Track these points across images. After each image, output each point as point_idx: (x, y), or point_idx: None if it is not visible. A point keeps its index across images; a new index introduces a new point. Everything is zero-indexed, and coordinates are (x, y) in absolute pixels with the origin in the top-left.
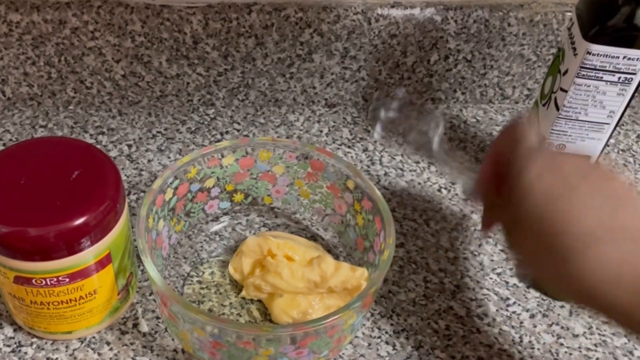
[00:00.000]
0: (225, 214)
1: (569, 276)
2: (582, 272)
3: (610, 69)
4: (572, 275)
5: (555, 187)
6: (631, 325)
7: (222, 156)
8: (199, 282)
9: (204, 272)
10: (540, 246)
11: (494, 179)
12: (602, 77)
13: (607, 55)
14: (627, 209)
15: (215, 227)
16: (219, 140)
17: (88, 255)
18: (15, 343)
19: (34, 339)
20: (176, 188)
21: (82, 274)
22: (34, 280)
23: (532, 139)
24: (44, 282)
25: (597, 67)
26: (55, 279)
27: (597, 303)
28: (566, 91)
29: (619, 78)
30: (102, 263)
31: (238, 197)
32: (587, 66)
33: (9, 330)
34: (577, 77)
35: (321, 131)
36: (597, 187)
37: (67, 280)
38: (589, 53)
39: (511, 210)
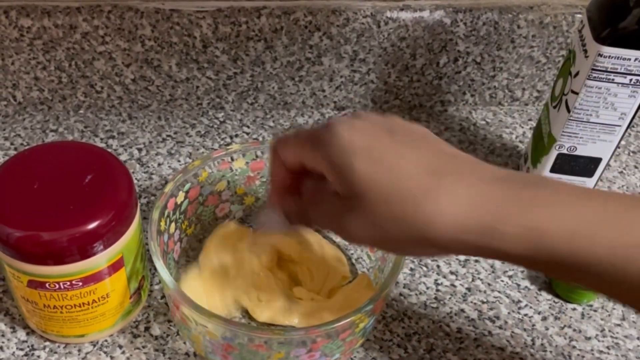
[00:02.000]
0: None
1: (423, 228)
2: (439, 216)
3: (622, 70)
4: (429, 224)
5: (374, 138)
6: (498, 252)
7: (233, 159)
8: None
9: None
10: (385, 213)
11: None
12: (613, 79)
13: (618, 57)
14: (441, 142)
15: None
16: (228, 144)
17: (101, 259)
18: (28, 347)
19: (47, 343)
20: (187, 191)
21: (95, 277)
22: (47, 284)
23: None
24: (57, 286)
25: (609, 69)
26: (68, 283)
27: (463, 243)
28: (577, 93)
29: (631, 80)
30: (114, 267)
31: (249, 200)
32: (599, 68)
33: (21, 334)
34: (588, 79)
35: None
36: (406, 128)
37: (80, 284)
38: (600, 55)
39: (333, 196)
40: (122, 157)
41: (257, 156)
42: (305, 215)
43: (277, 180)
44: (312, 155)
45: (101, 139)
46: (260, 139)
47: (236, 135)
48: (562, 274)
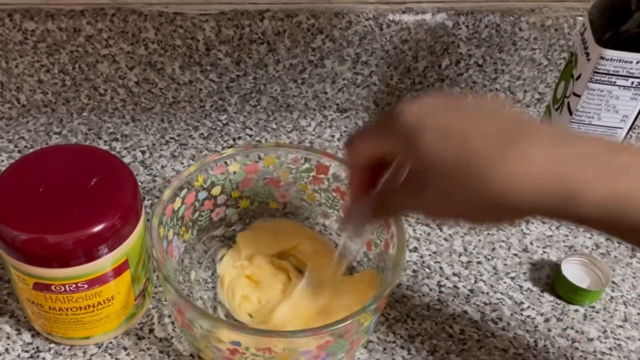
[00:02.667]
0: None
1: (498, 196)
2: (516, 180)
3: (624, 73)
4: (503, 193)
5: (441, 115)
6: (578, 217)
7: (228, 163)
8: (213, 287)
9: (214, 277)
10: (457, 183)
11: (369, 177)
12: (615, 82)
13: (620, 60)
14: (511, 111)
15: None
16: (231, 146)
17: (106, 261)
18: (33, 348)
19: (52, 345)
20: (184, 197)
21: (100, 280)
22: (53, 287)
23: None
24: (62, 289)
25: (611, 72)
26: (74, 285)
27: (541, 207)
28: (579, 96)
29: (632, 82)
30: (119, 269)
31: (244, 203)
32: (601, 71)
33: (27, 336)
34: (590, 81)
35: (333, 136)
36: (477, 103)
37: (86, 286)
38: (602, 58)
39: (409, 178)
40: (126, 160)
41: (251, 159)
42: (387, 203)
43: (356, 177)
44: (384, 140)
45: (105, 141)
46: (263, 141)
47: (239, 138)
48: None
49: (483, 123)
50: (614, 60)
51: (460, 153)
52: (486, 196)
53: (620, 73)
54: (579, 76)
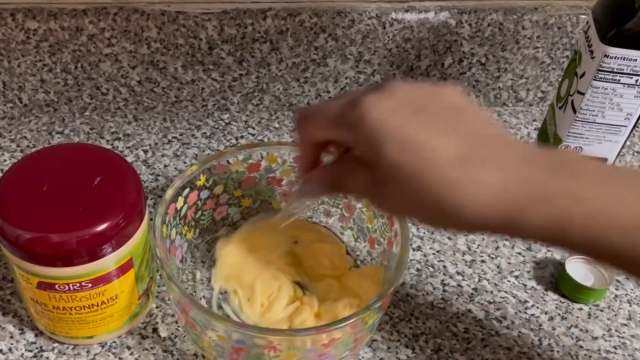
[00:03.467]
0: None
1: (450, 216)
2: (464, 207)
3: (628, 71)
4: (456, 213)
5: (404, 120)
6: (520, 237)
7: (230, 162)
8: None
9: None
10: (412, 198)
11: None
12: (619, 80)
13: (624, 58)
14: (473, 118)
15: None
16: (234, 145)
17: (110, 260)
18: (37, 348)
19: (56, 344)
20: (186, 197)
21: (104, 279)
22: (56, 286)
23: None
24: (66, 288)
25: (615, 70)
26: (78, 284)
27: (488, 228)
28: (583, 94)
29: (637, 80)
30: (123, 268)
31: (246, 202)
32: (605, 69)
33: (30, 336)
34: (594, 79)
35: None
36: (440, 101)
37: (90, 285)
38: (606, 56)
39: (366, 171)
40: (128, 159)
41: (253, 158)
42: (340, 183)
43: (305, 153)
44: (342, 131)
45: (107, 140)
46: (265, 140)
47: (241, 137)
48: (586, 254)
49: (443, 137)
50: (618, 58)
51: (419, 171)
52: (440, 215)
53: (625, 71)
54: (583, 74)
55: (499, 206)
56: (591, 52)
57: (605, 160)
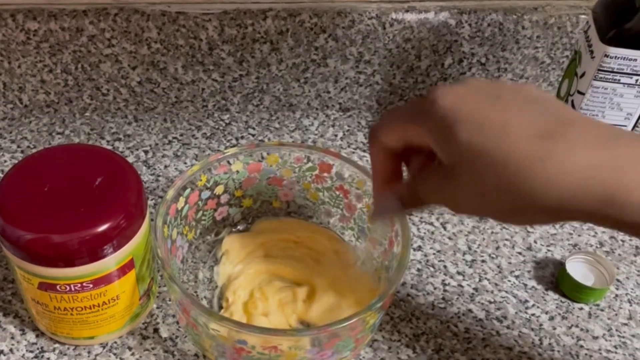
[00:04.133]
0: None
1: (534, 197)
2: (550, 186)
3: (628, 71)
4: (539, 194)
5: (478, 104)
6: (618, 222)
7: (230, 163)
8: (215, 287)
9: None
10: (491, 181)
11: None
12: (619, 80)
13: (624, 57)
14: (552, 103)
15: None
16: (234, 146)
17: (111, 261)
18: (38, 349)
19: (57, 345)
20: (187, 197)
21: (105, 279)
22: (58, 287)
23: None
24: (68, 288)
25: (615, 70)
26: (79, 285)
27: (578, 211)
28: (583, 94)
29: (637, 80)
30: (124, 269)
31: (247, 202)
32: (605, 69)
33: (31, 336)
34: (594, 79)
35: (336, 135)
36: (517, 91)
37: (91, 286)
38: (606, 56)
39: (440, 170)
40: (129, 160)
41: (254, 158)
42: (415, 195)
43: (381, 168)
44: (415, 129)
45: (107, 141)
46: (266, 140)
47: (242, 137)
48: None
49: (522, 116)
50: (618, 58)
51: (498, 149)
52: (521, 197)
53: (625, 71)
54: (583, 74)
55: (600, 182)
56: (591, 52)
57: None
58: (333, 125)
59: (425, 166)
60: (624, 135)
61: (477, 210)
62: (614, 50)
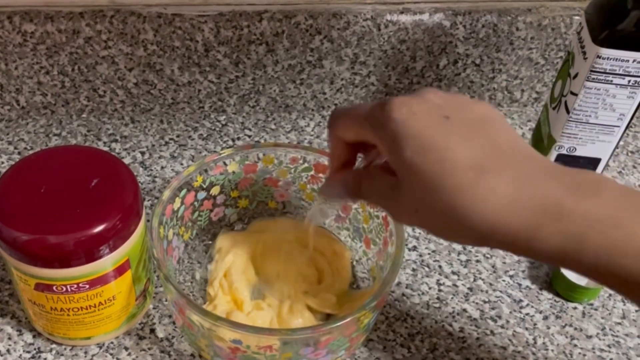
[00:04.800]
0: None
1: (460, 223)
2: (474, 213)
3: (620, 72)
4: (465, 219)
5: (427, 125)
6: (531, 254)
7: (226, 163)
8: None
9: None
10: (425, 201)
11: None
12: (612, 81)
13: (617, 58)
14: (498, 129)
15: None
16: (230, 147)
17: (107, 262)
18: (35, 349)
19: (54, 345)
20: (183, 197)
21: (101, 280)
22: (54, 287)
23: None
24: (64, 289)
25: (607, 71)
26: (75, 286)
27: (498, 241)
28: (576, 94)
29: (629, 81)
30: (120, 269)
31: (243, 202)
32: (597, 70)
33: (28, 337)
34: (587, 80)
35: None
36: (467, 112)
37: (87, 286)
38: (599, 57)
39: (387, 172)
40: (125, 161)
41: (250, 159)
42: (359, 188)
43: (336, 153)
44: (368, 132)
45: (104, 142)
46: (262, 141)
47: (238, 138)
48: (598, 280)
49: (463, 144)
50: (611, 59)
51: (435, 173)
52: (449, 220)
53: (617, 72)
54: (576, 75)
55: (512, 218)
56: (584, 53)
57: (598, 160)
58: None
59: (375, 161)
60: (551, 170)
61: (411, 222)
62: (606, 52)
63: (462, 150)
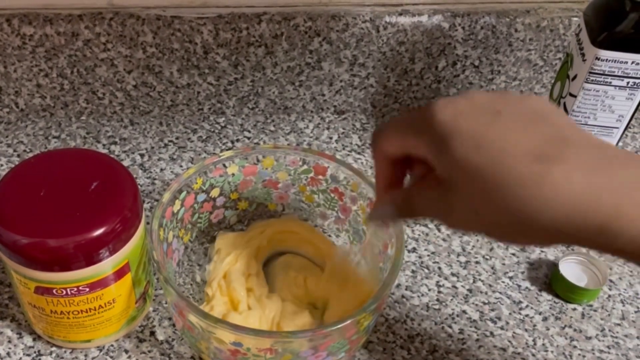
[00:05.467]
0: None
1: (528, 219)
2: (546, 207)
3: (619, 74)
4: (535, 214)
5: (477, 121)
6: (610, 248)
7: (226, 166)
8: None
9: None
10: (486, 200)
11: (395, 177)
12: (610, 82)
13: (615, 60)
14: (557, 119)
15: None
16: (230, 149)
17: (107, 265)
18: (35, 352)
19: (53, 348)
20: (183, 200)
21: (101, 283)
22: (54, 291)
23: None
24: (64, 292)
25: (606, 73)
26: (75, 289)
27: (571, 235)
28: (575, 96)
29: (628, 83)
30: (120, 273)
31: (243, 204)
32: (596, 71)
33: (28, 340)
34: (586, 82)
35: (331, 138)
36: (520, 106)
37: (87, 289)
38: (597, 59)
39: (436, 183)
40: (125, 163)
41: (250, 161)
42: (410, 205)
43: (381, 173)
44: (413, 140)
45: (103, 145)
46: (261, 143)
47: (237, 140)
48: None
49: (521, 136)
50: (609, 60)
51: (494, 169)
52: (515, 217)
53: (616, 73)
54: (575, 77)
55: (594, 209)
56: (582, 54)
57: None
58: (328, 128)
59: (425, 176)
60: (623, 158)
61: (470, 226)
62: (605, 53)
63: (522, 141)
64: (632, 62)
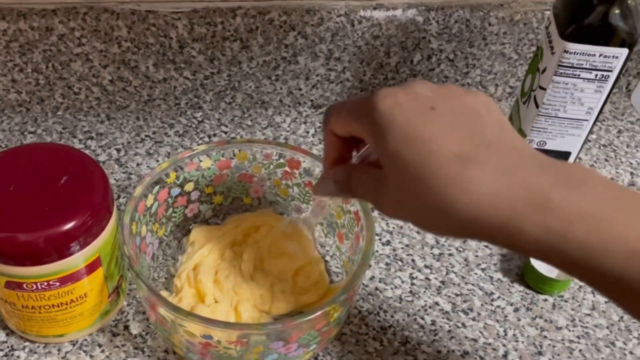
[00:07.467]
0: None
1: (442, 214)
2: (457, 204)
3: (587, 66)
4: (448, 210)
5: (412, 115)
6: (514, 247)
7: (200, 160)
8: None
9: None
10: (410, 192)
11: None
12: (579, 75)
13: (583, 53)
14: (487, 120)
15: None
16: (207, 143)
17: (78, 259)
18: (7, 347)
19: (27, 343)
20: (157, 194)
21: (72, 277)
22: (25, 285)
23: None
24: (34, 287)
25: (575, 65)
26: (45, 283)
27: (480, 232)
28: (545, 89)
29: (596, 75)
30: (91, 267)
31: (217, 199)
32: (565, 64)
33: (1, 335)
34: (555, 75)
35: (307, 132)
36: (455, 103)
37: (58, 284)
38: (566, 51)
39: (376, 166)
40: (101, 158)
41: (224, 155)
42: (348, 185)
43: (329, 149)
44: (357, 124)
45: (80, 140)
46: (238, 137)
47: (214, 135)
48: (581, 277)
49: (449, 134)
50: (578, 53)
51: (419, 164)
52: (432, 211)
53: (584, 66)
54: (545, 69)
55: (497, 210)
56: (552, 47)
57: (568, 154)
58: (305, 122)
59: (363, 159)
60: (536, 161)
61: (397, 214)
62: (573, 46)
63: (447, 141)
64: (600, 55)
